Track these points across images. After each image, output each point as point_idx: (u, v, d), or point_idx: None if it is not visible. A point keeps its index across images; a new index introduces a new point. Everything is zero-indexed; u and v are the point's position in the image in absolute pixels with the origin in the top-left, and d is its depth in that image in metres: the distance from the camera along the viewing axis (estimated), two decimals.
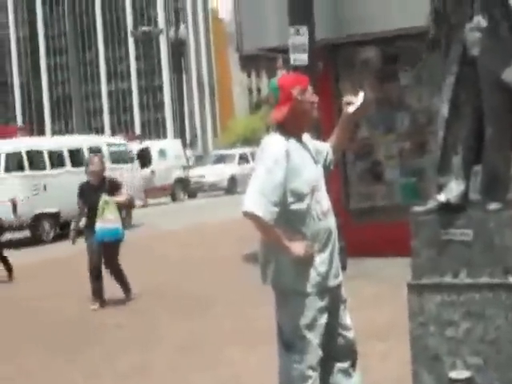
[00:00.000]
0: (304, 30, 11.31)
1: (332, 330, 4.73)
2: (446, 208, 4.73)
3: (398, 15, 11.43)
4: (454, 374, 4.58)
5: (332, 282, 4.68)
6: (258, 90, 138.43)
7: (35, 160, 21.55)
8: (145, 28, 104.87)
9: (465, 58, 4.73)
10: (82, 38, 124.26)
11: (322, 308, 4.62)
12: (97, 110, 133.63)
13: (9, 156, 21.00)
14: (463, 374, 4.57)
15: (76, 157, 22.69)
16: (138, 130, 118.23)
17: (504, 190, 4.87)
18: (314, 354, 4.60)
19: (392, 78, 13.03)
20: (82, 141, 24.82)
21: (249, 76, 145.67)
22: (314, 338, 4.59)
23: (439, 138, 4.85)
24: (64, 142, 24.52)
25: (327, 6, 12.31)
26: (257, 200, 4.44)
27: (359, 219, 12.59)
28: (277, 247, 4.54)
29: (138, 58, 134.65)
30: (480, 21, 4.70)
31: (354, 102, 4.74)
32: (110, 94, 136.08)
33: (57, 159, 22.46)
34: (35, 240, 20.88)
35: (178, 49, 51.06)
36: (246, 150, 41.55)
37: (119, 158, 24.57)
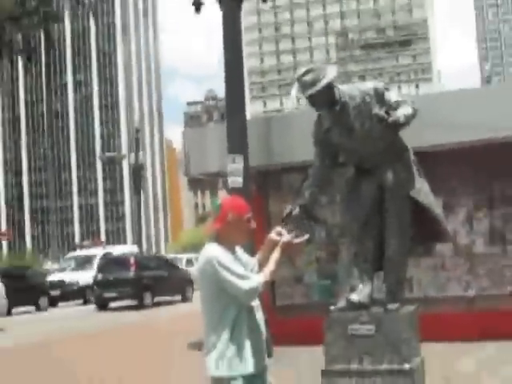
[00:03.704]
0: (240, 158, 11.42)
1: None
2: (355, 306, 4.74)
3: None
4: None
5: (258, 368, 4.61)
6: (203, 206, 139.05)
7: None
8: (110, 153, 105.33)
9: (378, 189, 4.88)
10: (58, 160, 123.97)
11: None
12: (69, 219, 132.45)
13: None
14: None
15: None
16: (103, 237, 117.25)
17: (402, 292, 4.92)
18: None
19: None
20: None
21: (195, 195, 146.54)
22: None
23: (351, 250, 4.91)
24: None
25: (259, 140, 12.52)
26: (245, 284, 4.35)
27: (283, 314, 12.51)
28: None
29: (104, 178, 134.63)
30: (395, 163, 4.88)
31: (283, 234, 4.65)
32: (80, 206, 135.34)
33: None
34: None
35: (138, 171, 51.15)
36: (192, 255, 41.60)
37: None
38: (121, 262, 29.75)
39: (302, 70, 4.83)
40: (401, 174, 4.89)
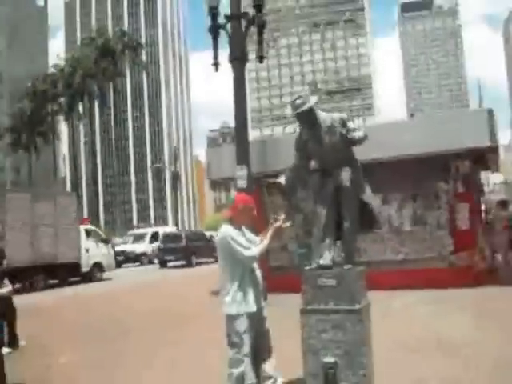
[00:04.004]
0: (244, 167, 11.41)
1: (257, 333, 4.66)
2: (322, 267, 4.74)
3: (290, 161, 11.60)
4: (325, 359, 4.53)
5: (257, 307, 4.63)
6: (219, 200, 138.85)
7: None
8: (157, 165, 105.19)
9: (336, 188, 4.88)
10: (122, 169, 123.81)
11: (250, 322, 4.55)
12: (129, 209, 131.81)
13: None
14: (331, 360, 4.52)
15: None
16: (152, 221, 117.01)
17: (353, 257, 4.92)
18: (247, 347, 4.51)
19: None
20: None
21: (214, 192, 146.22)
22: (246, 338, 4.52)
23: (319, 228, 4.92)
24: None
25: (257, 155, 12.53)
26: (247, 252, 4.48)
27: (274, 272, 12.51)
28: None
29: (153, 181, 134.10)
30: (346, 167, 4.86)
31: (279, 219, 4.75)
32: (136, 200, 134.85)
33: None
34: None
35: (176, 177, 51.21)
36: (213, 233, 41.56)
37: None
38: (176, 236, 30.38)
39: (295, 96, 4.85)
40: (351, 179, 4.88)
